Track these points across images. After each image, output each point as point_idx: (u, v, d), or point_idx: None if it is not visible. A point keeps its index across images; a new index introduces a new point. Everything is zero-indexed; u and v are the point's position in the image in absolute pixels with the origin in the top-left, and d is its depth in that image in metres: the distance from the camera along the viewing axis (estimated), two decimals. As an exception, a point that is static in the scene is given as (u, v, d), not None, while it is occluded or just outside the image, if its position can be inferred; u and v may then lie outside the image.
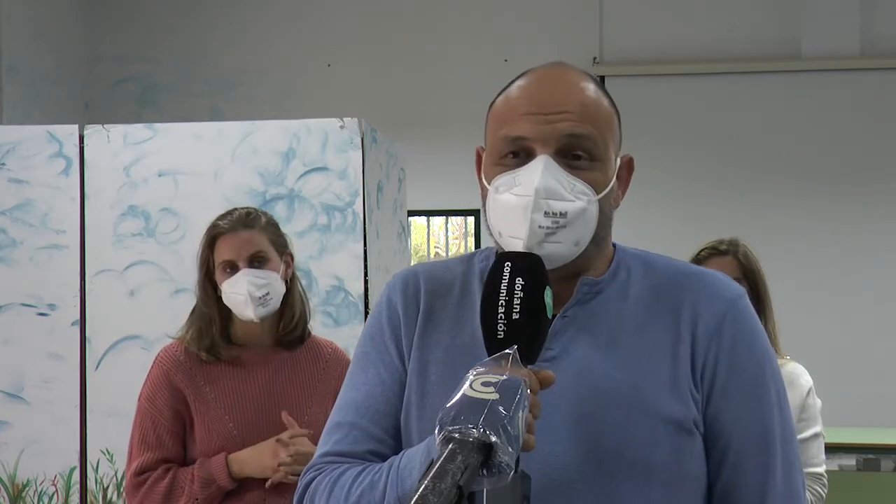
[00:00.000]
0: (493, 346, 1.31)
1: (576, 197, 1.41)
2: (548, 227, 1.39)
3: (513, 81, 1.51)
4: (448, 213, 7.44)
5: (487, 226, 1.48)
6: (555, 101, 1.44)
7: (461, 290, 1.53)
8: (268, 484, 2.65)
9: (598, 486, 1.39)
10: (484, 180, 1.48)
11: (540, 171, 1.40)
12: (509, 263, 1.34)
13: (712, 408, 1.44)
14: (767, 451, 1.46)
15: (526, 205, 1.39)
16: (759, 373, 1.47)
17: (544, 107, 1.44)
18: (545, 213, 1.39)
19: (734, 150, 6.92)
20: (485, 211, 1.48)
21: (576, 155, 1.43)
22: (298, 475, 2.60)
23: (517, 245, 1.40)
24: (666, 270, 1.53)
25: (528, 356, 1.31)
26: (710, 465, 1.45)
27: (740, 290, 1.51)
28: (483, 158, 1.51)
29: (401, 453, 1.42)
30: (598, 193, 1.43)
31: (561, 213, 1.40)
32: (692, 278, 1.51)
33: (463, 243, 7.55)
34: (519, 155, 1.44)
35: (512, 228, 1.41)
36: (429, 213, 7.40)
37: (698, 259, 3.04)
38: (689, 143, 6.96)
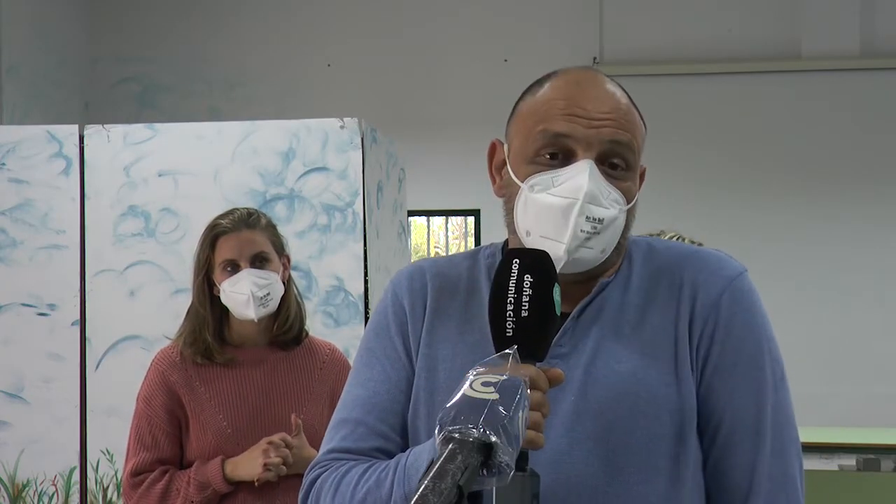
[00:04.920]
0: (502, 343, 1.30)
1: (611, 205, 1.41)
2: (588, 232, 1.39)
3: (541, 81, 1.49)
4: (448, 213, 7.44)
5: (511, 222, 1.46)
6: (597, 105, 1.44)
7: (468, 287, 1.52)
8: (256, 482, 2.64)
9: (607, 479, 1.39)
10: (514, 176, 1.46)
11: (587, 175, 1.39)
12: (517, 260, 1.32)
13: (705, 385, 1.43)
14: (758, 432, 1.44)
15: (570, 206, 1.39)
16: (756, 352, 1.46)
17: (587, 110, 1.43)
18: (587, 217, 1.39)
19: (734, 150, 6.92)
20: (508, 207, 1.47)
21: (613, 163, 1.43)
22: (283, 475, 2.63)
23: (555, 247, 1.38)
24: (667, 253, 1.52)
25: (537, 353, 1.30)
26: (702, 443, 1.44)
27: (741, 267, 1.49)
28: (508, 153, 1.49)
29: (408, 451, 1.42)
30: (628, 203, 1.44)
31: (599, 220, 1.40)
32: (692, 257, 1.50)
33: (463, 243, 7.55)
34: (557, 156, 1.43)
35: (549, 230, 1.40)
36: (429, 213, 7.40)
37: None
38: (689, 143, 6.96)
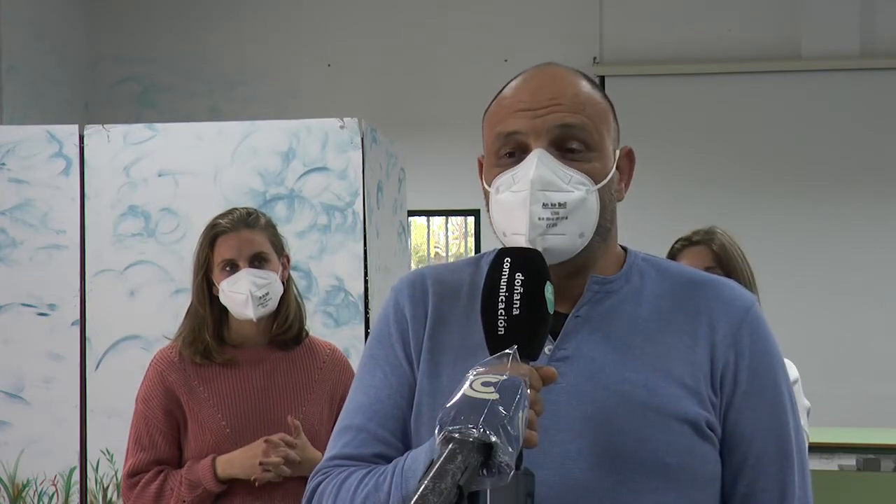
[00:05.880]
0: (494, 342, 1.31)
1: (573, 187, 1.41)
2: (548, 219, 1.40)
3: (505, 85, 1.52)
4: (448, 213, 7.44)
5: (493, 230, 1.48)
6: (544, 95, 1.45)
7: (470, 292, 1.52)
8: (256, 482, 2.64)
9: (613, 487, 1.39)
10: (485, 184, 1.49)
11: (534, 164, 1.40)
12: (509, 259, 1.33)
13: (733, 413, 1.45)
14: (786, 455, 1.48)
15: (524, 199, 1.40)
16: (776, 379, 1.49)
17: (535, 102, 1.45)
18: (543, 204, 1.40)
19: (734, 150, 6.92)
20: (489, 215, 1.49)
21: (570, 147, 1.44)
22: (284, 476, 2.63)
23: (520, 241, 1.40)
24: (679, 277, 1.53)
25: (530, 352, 1.30)
26: (728, 468, 1.46)
27: (753, 297, 1.52)
28: (483, 164, 1.52)
29: (406, 454, 1.42)
30: (596, 183, 1.44)
31: (560, 204, 1.40)
32: (707, 286, 1.52)
33: (463, 243, 7.55)
34: (514, 154, 1.45)
35: (513, 225, 1.41)
36: (429, 213, 7.40)
37: (672, 252, 3.01)
38: (689, 143, 6.96)
